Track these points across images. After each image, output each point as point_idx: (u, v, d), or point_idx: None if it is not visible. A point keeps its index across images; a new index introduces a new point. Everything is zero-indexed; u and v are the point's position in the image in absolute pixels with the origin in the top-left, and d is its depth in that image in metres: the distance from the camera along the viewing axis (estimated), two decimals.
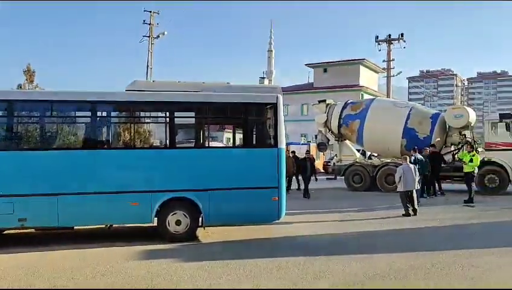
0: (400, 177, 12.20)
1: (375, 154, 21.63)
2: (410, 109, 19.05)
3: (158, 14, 27.82)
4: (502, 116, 17.58)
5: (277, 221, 9.78)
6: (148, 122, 9.78)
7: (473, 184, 15.32)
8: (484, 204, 14.51)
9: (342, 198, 16.71)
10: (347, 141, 20.98)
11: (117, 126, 9.92)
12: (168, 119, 9.28)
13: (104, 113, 9.26)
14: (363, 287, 5.03)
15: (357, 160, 20.13)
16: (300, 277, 6.68)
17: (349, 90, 45.90)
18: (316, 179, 18.41)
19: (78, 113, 9.41)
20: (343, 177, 19.96)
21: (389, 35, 35.65)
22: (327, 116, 20.78)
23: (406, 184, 12.13)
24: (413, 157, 14.53)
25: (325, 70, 52.10)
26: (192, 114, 9.78)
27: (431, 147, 16.96)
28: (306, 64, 55.06)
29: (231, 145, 9.96)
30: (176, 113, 9.33)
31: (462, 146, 18.07)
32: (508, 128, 17.04)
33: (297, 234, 10.08)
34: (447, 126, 18.55)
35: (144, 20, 27.79)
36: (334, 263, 7.44)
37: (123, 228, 10.25)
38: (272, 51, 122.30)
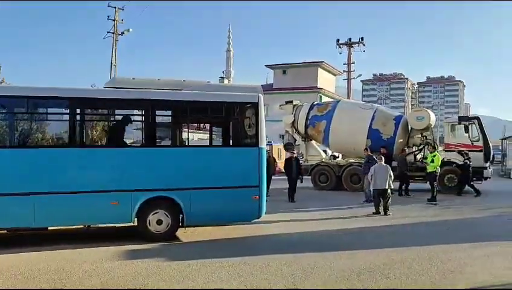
0: (372, 176, 12.60)
1: (336, 154, 22.14)
2: (375, 111, 19.68)
3: (123, 10, 27.24)
4: (461, 119, 18.58)
5: (257, 220, 9.89)
6: (128, 120, 9.53)
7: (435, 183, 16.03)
8: (446, 202, 15.26)
9: (311, 197, 16.95)
10: (313, 142, 21.39)
11: (96, 124, 9.65)
12: (149, 117, 9.14)
13: (83, 110, 8.95)
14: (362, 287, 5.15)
15: (323, 160, 20.56)
16: (290, 273, 6.81)
17: (308, 92, 46.61)
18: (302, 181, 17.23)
19: (55, 110, 9.09)
20: (309, 176, 20.31)
21: (350, 39, 36.68)
22: (294, 117, 21.11)
23: (377, 183, 12.53)
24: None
25: (285, 72, 52.60)
26: (174, 112, 9.67)
27: (382, 149, 17.63)
28: (266, 65, 55.37)
29: (213, 144, 9.90)
30: (157, 111, 9.22)
31: (424, 147, 18.91)
32: (466, 130, 18.00)
33: (279, 232, 10.23)
34: (409, 128, 19.32)
35: (108, 16, 27.17)
36: (320, 259, 7.65)
37: (96, 229, 9.98)
38: (230, 50, 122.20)
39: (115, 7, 27.06)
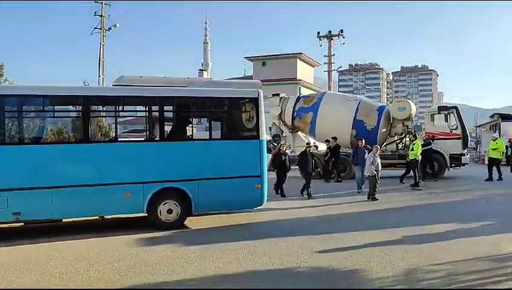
0: (371, 163, 13.38)
1: (318, 144, 22.88)
2: (359, 102, 20.54)
3: (109, 6, 27.36)
4: (440, 109, 19.65)
5: (259, 207, 10.61)
6: (139, 117, 10.05)
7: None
8: (427, 187, 16.28)
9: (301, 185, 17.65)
10: (299, 132, 22.16)
11: (109, 120, 10.13)
12: (158, 113, 9.70)
13: (96, 108, 9.45)
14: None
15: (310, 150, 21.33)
16: (300, 253, 7.53)
17: (287, 84, 47.37)
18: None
19: (70, 108, 9.54)
20: (297, 166, 21.05)
21: (330, 32, 37.52)
22: (281, 109, 21.81)
23: (376, 168, 13.37)
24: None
25: (264, 64, 53.21)
26: (181, 108, 10.24)
27: (332, 139, 18.55)
28: (245, 57, 55.81)
29: (217, 138, 10.52)
30: (166, 107, 9.77)
31: (405, 136, 19.92)
32: (445, 119, 19.10)
33: (282, 218, 10.97)
34: (391, 118, 20.28)
35: (95, 12, 27.21)
36: (326, 240, 8.43)
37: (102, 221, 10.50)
38: (207, 42, 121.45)
39: (102, 2, 27.16)
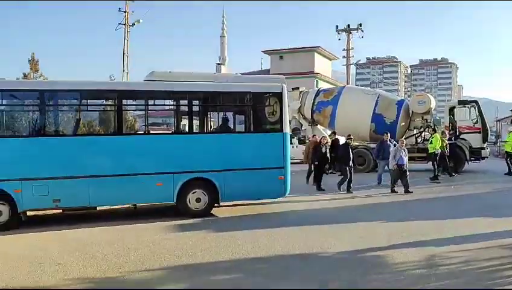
0: (395, 156, 13.59)
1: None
2: (378, 96, 20.78)
3: (133, 1, 28.03)
4: (460, 102, 19.78)
5: (282, 198, 11.06)
6: (170, 111, 10.56)
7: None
8: (446, 180, 16.49)
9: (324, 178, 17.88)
10: (319, 126, 22.49)
11: (142, 114, 10.66)
12: (187, 107, 10.19)
13: (130, 102, 9.98)
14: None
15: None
16: (323, 240, 7.94)
17: (305, 77, 47.52)
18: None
19: (106, 102, 10.09)
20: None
21: (348, 26, 37.57)
22: (300, 103, 22.17)
23: (399, 160, 13.51)
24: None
25: (281, 57, 53.42)
26: (210, 102, 10.72)
27: (332, 134, 18.70)
28: (263, 51, 56.11)
29: (243, 131, 10.99)
30: (194, 101, 10.25)
31: (424, 130, 20.10)
32: (465, 113, 19.25)
33: (305, 208, 11.41)
34: (411, 112, 20.45)
35: (120, 8, 27.96)
36: (348, 229, 8.85)
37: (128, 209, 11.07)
38: (224, 36, 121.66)
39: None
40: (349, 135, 15.13)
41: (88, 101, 9.86)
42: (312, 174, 15.33)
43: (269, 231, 8.72)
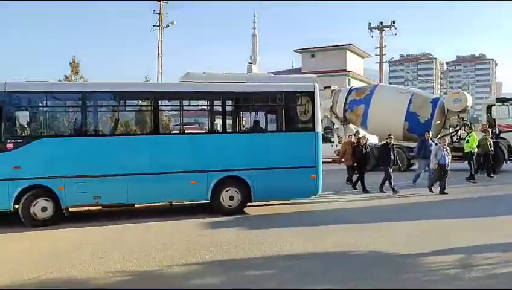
0: (436, 155, 13.25)
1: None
2: (412, 94, 20.47)
3: (167, 3, 28.71)
4: (498, 100, 19.26)
5: (314, 197, 11.15)
6: (204, 111, 10.85)
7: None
8: (483, 180, 16.11)
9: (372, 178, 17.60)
10: (351, 125, 22.35)
11: (177, 114, 10.99)
12: (220, 107, 10.44)
13: (167, 102, 10.32)
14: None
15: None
16: (357, 239, 7.98)
17: (336, 75, 47.11)
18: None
19: (143, 102, 10.47)
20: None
21: (381, 23, 37.08)
22: (332, 101, 22.11)
23: (441, 159, 13.19)
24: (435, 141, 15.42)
25: (313, 56, 53.18)
26: (243, 103, 10.94)
27: (355, 134, 18.18)
28: (294, 50, 56.01)
29: (275, 130, 11.15)
30: (227, 101, 10.48)
31: (460, 128, 19.66)
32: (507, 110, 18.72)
33: (338, 207, 11.47)
34: (446, 110, 20.05)
35: (154, 10, 28.72)
36: (381, 227, 8.86)
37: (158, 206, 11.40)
38: (255, 35, 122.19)
39: (160, 1, 28.52)
40: (390, 135, 14.60)
41: (126, 102, 10.24)
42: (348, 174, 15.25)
43: (301, 229, 8.84)
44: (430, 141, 15.08)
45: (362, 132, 22.30)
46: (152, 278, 6.16)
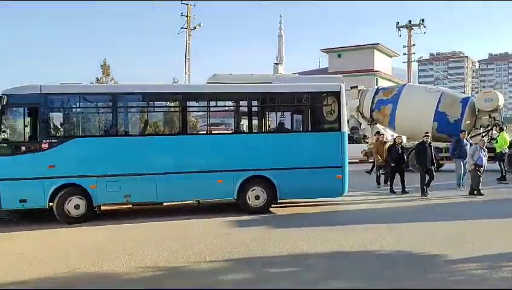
0: (473, 155, 12.95)
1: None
2: (441, 94, 20.14)
3: (194, 6, 29.21)
4: None
5: (340, 197, 11.17)
6: (231, 111, 11.07)
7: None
8: None
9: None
10: (378, 125, 22.15)
11: (205, 115, 11.23)
12: (247, 108, 10.60)
13: (195, 103, 10.58)
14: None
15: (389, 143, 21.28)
16: (383, 239, 7.98)
17: (364, 75, 46.68)
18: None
19: (173, 104, 10.76)
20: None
21: (410, 21, 36.54)
22: (359, 101, 21.97)
23: (478, 160, 12.91)
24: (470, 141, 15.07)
25: (339, 55, 52.84)
26: (269, 103, 11.08)
27: (376, 134, 17.80)
28: (321, 50, 55.83)
29: (301, 130, 11.23)
30: (253, 102, 10.63)
31: (491, 128, 19.23)
32: None
33: (366, 207, 11.49)
34: (477, 109, 19.64)
35: (182, 13, 29.23)
36: (410, 227, 8.84)
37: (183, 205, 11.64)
38: (282, 36, 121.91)
39: (187, 4, 29.05)
40: (427, 132, 14.05)
41: (155, 103, 10.53)
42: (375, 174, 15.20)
43: (326, 228, 8.89)
44: (466, 141, 14.66)
45: (389, 132, 22.21)
46: (181, 274, 6.35)
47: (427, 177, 13.02)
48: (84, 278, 6.22)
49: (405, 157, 14.21)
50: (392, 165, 13.99)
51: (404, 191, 13.51)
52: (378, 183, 15.13)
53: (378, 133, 16.95)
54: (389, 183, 14.08)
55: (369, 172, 16.58)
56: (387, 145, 14.86)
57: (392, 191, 13.67)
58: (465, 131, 15.64)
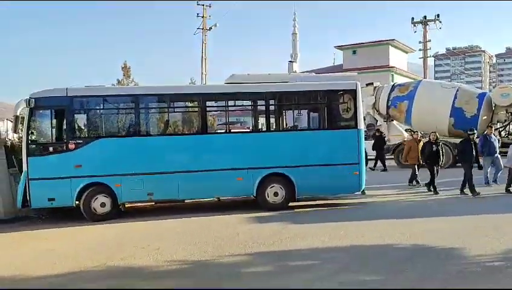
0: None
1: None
2: (457, 89, 20.10)
3: (210, 7, 29.57)
4: None
5: (357, 193, 11.38)
6: (249, 111, 11.36)
7: None
8: None
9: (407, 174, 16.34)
10: (394, 122, 22.20)
11: (224, 114, 11.55)
12: (265, 107, 10.86)
13: (214, 103, 10.90)
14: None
15: (405, 139, 21.32)
16: (401, 233, 8.16)
17: (379, 71, 46.44)
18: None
19: (194, 104, 11.11)
20: (392, 155, 21.23)
21: (425, 17, 36.30)
22: (375, 98, 22.02)
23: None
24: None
25: (354, 52, 52.65)
26: (286, 102, 11.34)
27: (377, 131, 17.70)
28: (335, 46, 55.67)
29: (318, 128, 11.46)
30: (271, 101, 10.90)
31: (508, 123, 19.13)
32: None
33: (378, 203, 11.64)
34: (493, 105, 19.56)
35: (198, 14, 29.70)
36: (429, 221, 9.02)
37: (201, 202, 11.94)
38: (296, 34, 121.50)
39: (203, 5, 29.47)
40: (472, 129, 13.08)
41: (176, 103, 10.87)
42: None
43: (344, 223, 9.10)
44: (493, 137, 14.15)
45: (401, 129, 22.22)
46: (204, 267, 6.65)
47: (472, 175, 12.09)
48: (116, 272, 6.56)
49: (441, 155, 13.07)
50: (425, 163, 13.22)
51: (436, 191, 12.64)
52: (413, 181, 14.22)
53: (410, 130, 16.67)
54: (426, 183, 13.14)
55: (373, 168, 16.59)
56: (421, 144, 14.09)
57: (436, 192, 12.66)
58: (491, 126, 15.35)
